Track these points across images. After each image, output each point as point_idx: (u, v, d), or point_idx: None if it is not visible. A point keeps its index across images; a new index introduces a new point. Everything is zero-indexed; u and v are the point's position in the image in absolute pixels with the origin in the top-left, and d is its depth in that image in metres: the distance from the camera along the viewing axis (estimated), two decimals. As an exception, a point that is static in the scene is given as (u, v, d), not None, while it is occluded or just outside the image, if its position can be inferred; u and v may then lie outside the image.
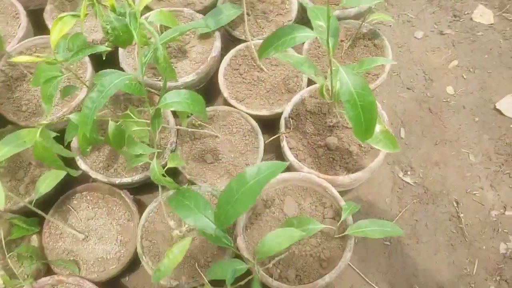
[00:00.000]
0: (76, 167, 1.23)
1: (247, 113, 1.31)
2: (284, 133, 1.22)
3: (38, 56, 0.86)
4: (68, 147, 1.15)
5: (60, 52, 0.97)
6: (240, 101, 1.34)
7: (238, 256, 1.02)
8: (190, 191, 0.90)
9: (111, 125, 0.96)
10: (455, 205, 1.36)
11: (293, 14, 1.50)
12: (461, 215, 1.34)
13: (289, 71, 1.38)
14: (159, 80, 1.32)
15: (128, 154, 0.98)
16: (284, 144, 1.20)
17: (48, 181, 1.10)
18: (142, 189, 1.36)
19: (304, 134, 1.23)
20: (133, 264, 1.23)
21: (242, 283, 0.90)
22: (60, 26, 0.85)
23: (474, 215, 1.34)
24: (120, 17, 0.85)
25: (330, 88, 0.94)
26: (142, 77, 0.82)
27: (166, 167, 0.97)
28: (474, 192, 1.38)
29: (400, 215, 1.35)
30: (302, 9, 1.53)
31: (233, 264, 0.91)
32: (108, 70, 0.97)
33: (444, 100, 1.55)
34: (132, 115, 1.03)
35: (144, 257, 1.14)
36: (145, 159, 0.96)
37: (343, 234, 1.02)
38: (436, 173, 1.42)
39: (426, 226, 1.33)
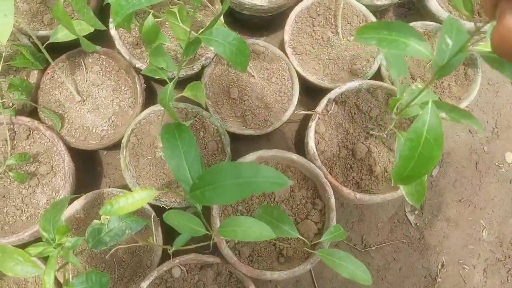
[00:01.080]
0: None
1: (296, 70, 1.17)
2: (319, 114, 1.09)
3: None
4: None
5: None
6: (296, 54, 1.19)
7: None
8: (189, 132, 0.80)
9: (148, 21, 0.84)
10: (439, 267, 1.27)
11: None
12: (439, 279, 1.26)
13: (363, 50, 1.21)
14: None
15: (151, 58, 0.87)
16: (313, 124, 1.08)
17: (67, 32, 1.00)
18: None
19: (338, 126, 1.10)
20: (115, 146, 1.17)
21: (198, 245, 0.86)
22: None
23: (450, 286, 1.26)
24: None
25: (403, 105, 0.81)
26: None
27: (180, 95, 0.87)
28: (465, 266, 1.28)
29: (383, 245, 1.27)
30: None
31: (192, 222, 0.85)
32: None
33: (496, 163, 1.38)
34: (178, 16, 0.90)
35: (125, 151, 1.09)
36: (164, 75, 0.85)
37: (312, 251, 0.94)
38: (441, 228, 1.30)
39: (400, 270, 1.26)
